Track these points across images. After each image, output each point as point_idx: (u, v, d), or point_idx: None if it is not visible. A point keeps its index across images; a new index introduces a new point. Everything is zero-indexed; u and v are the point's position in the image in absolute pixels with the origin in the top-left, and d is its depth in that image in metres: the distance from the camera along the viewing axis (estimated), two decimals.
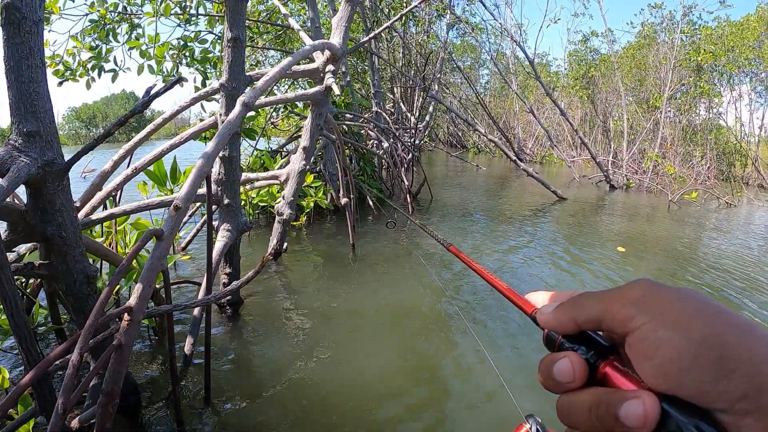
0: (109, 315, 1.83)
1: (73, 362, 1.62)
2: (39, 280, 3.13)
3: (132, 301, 1.83)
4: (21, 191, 2.21)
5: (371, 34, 6.14)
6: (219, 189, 3.46)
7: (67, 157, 2.04)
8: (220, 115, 3.37)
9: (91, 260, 3.49)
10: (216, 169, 3.46)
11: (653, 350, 0.32)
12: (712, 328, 0.31)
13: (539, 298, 0.46)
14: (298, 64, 4.58)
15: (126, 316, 1.84)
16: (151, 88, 1.72)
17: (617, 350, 0.37)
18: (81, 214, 3.59)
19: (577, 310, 0.38)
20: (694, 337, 0.31)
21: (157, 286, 3.18)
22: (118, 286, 3.12)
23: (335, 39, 4.75)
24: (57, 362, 2.14)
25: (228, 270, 3.74)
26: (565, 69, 25.12)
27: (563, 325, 0.39)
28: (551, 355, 0.39)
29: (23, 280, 3.33)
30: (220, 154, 3.34)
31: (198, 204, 5.59)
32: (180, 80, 1.76)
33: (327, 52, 4.58)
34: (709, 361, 0.30)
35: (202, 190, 3.13)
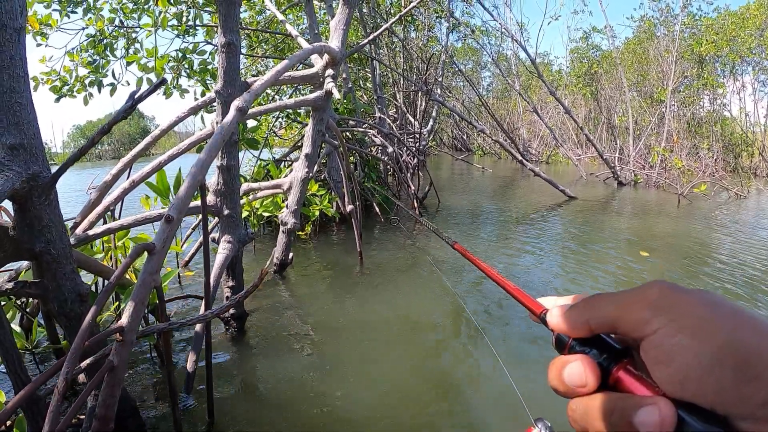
0: (100, 335, 1.72)
1: (58, 389, 1.51)
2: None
3: (123, 320, 1.72)
4: (10, 206, 2.11)
5: (370, 37, 6.05)
6: (218, 200, 3.35)
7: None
8: (217, 123, 3.27)
9: (91, 277, 3.41)
10: (215, 179, 3.36)
11: (670, 356, 0.31)
12: (734, 332, 0.29)
13: (549, 302, 0.43)
14: (297, 69, 4.49)
15: (118, 337, 1.73)
16: (134, 92, 1.62)
17: (631, 354, 0.36)
18: (80, 229, 3.50)
19: (590, 312, 0.36)
20: (715, 342, 0.29)
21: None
22: (116, 303, 3.01)
23: (334, 42, 4.65)
24: (47, 386, 2.04)
25: (231, 283, 3.63)
26: (567, 67, 25.03)
27: (575, 328, 0.37)
28: (562, 358, 0.37)
29: (23, 299, 3.24)
30: (218, 163, 3.23)
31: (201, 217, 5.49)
32: (163, 82, 1.66)
33: (326, 56, 4.48)
34: (730, 366, 0.29)
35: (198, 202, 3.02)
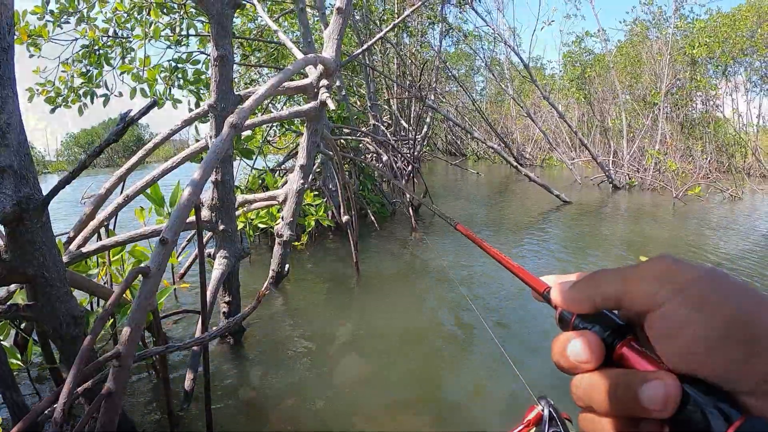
0: (97, 362, 1.69)
1: (55, 419, 1.48)
2: None
3: (120, 345, 1.69)
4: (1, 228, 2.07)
5: (364, 46, 6.05)
6: (213, 215, 3.32)
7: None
8: (211, 137, 3.25)
9: (88, 297, 3.37)
10: (209, 194, 3.33)
11: (677, 329, 0.31)
12: (742, 307, 0.29)
13: (551, 280, 0.43)
14: (292, 79, 4.47)
15: (115, 362, 1.70)
16: (125, 114, 1.59)
17: (634, 330, 0.35)
18: (74, 245, 3.45)
19: (594, 287, 0.36)
20: (723, 316, 0.29)
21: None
22: (111, 320, 2.97)
23: (327, 52, 4.63)
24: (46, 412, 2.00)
25: (227, 298, 3.59)
26: (560, 71, 25.12)
27: (579, 304, 0.37)
28: (565, 335, 0.36)
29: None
30: (213, 178, 3.20)
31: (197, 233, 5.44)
32: (153, 104, 1.63)
33: (320, 67, 4.47)
34: (737, 340, 0.29)
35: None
